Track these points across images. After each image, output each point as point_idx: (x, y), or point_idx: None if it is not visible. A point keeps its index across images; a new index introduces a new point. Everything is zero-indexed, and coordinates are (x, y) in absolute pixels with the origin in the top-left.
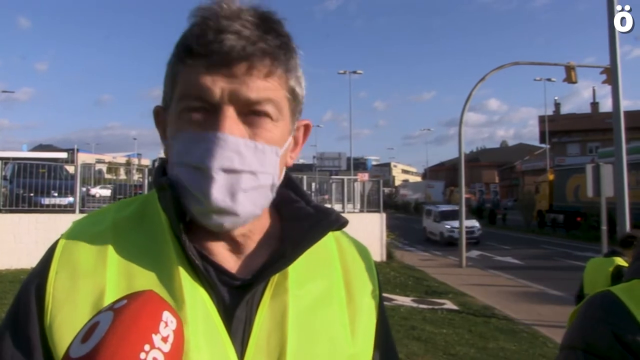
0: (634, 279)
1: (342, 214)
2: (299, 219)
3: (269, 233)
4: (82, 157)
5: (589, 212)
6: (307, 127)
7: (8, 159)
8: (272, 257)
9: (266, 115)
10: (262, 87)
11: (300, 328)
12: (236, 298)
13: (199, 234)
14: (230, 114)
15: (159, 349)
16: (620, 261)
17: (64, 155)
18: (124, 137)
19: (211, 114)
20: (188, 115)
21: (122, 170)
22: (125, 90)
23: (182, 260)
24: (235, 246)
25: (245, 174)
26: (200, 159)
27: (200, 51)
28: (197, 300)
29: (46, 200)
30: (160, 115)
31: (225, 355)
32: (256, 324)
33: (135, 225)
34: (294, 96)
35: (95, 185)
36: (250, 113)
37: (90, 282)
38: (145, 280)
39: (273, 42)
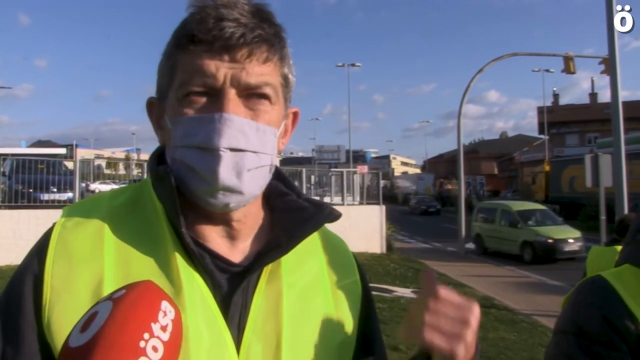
0: (625, 264)
1: (342, 207)
2: (292, 211)
3: (261, 222)
4: (81, 153)
5: (586, 203)
6: (295, 115)
7: (6, 155)
8: (267, 245)
9: (265, 97)
10: (260, 72)
11: (294, 314)
12: (232, 284)
13: (194, 221)
14: (232, 97)
15: (158, 337)
16: None
17: (62, 151)
18: (123, 132)
19: (213, 97)
20: (190, 100)
21: (121, 165)
22: (124, 85)
23: (178, 247)
24: (230, 232)
25: (249, 154)
26: (206, 139)
27: (202, 38)
28: (194, 286)
29: (45, 196)
30: (153, 106)
31: (223, 341)
32: (252, 310)
33: (130, 212)
34: (286, 82)
35: (94, 180)
36: (250, 96)
37: (88, 270)
38: (143, 267)
39: (269, 30)
